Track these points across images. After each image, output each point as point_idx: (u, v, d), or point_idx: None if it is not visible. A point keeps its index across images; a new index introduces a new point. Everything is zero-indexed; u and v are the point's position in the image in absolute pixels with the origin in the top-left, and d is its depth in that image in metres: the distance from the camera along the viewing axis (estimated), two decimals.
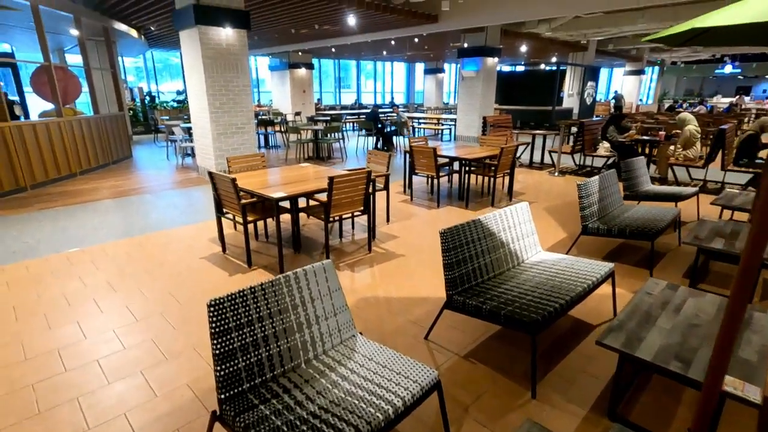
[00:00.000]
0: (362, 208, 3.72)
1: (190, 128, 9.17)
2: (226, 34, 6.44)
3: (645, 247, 4.02)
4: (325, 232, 3.55)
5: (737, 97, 22.50)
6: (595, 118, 12.67)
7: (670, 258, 3.78)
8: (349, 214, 3.68)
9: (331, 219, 3.47)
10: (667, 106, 19.17)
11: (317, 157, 9.14)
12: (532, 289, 2.38)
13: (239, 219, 3.41)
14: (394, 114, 10.76)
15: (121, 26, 9.41)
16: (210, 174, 3.53)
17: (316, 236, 4.35)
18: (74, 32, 8.18)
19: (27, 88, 9.89)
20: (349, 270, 3.50)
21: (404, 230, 4.50)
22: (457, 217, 4.96)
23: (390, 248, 3.99)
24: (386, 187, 4.55)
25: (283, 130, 11.42)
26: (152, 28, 10.76)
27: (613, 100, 21.00)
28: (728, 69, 26.46)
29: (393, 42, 14.06)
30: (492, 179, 5.64)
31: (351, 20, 9.35)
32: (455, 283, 2.37)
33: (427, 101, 24.04)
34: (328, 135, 8.84)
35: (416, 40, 13.57)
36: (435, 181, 5.61)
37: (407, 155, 5.65)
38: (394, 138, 10.58)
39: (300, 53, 17.67)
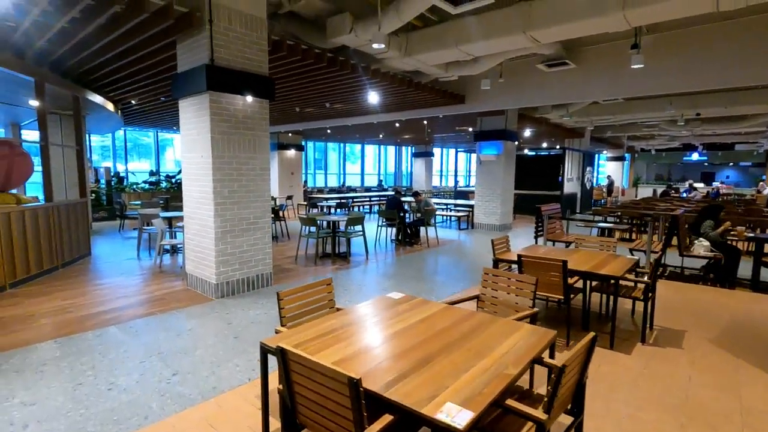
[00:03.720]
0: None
1: (171, 218, 7.28)
2: (245, 103, 4.92)
3: None
4: None
5: (720, 183, 23.54)
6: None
7: None
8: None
9: None
10: (660, 191, 19.15)
11: (335, 254, 7.34)
12: None
13: None
14: (414, 200, 9.35)
15: (96, 97, 7.81)
16: (283, 355, 1.67)
17: None
18: (33, 102, 6.45)
19: None
20: None
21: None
22: (621, 372, 3.20)
23: None
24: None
25: (281, 217, 9.68)
26: (133, 102, 9.24)
27: (607, 185, 21.04)
28: (695, 156, 27.90)
29: (397, 124, 13.22)
30: (620, 300, 4.03)
31: (373, 98, 8.23)
32: None
33: (416, 184, 23.34)
34: (350, 227, 7.17)
35: (425, 122, 12.79)
36: (560, 306, 3.92)
37: (518, 266, 3.98)
38: (421, 229, 9.02)
39: (290, 134, 16.65)
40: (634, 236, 9.55)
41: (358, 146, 23.52)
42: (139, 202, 10.63)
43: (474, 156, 12.11)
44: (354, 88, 7.77)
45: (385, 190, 21.32)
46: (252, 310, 4.47)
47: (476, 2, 4.82)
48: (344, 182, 22.47)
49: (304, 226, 7.09)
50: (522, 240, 9.13)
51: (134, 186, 14.14)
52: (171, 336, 3.76)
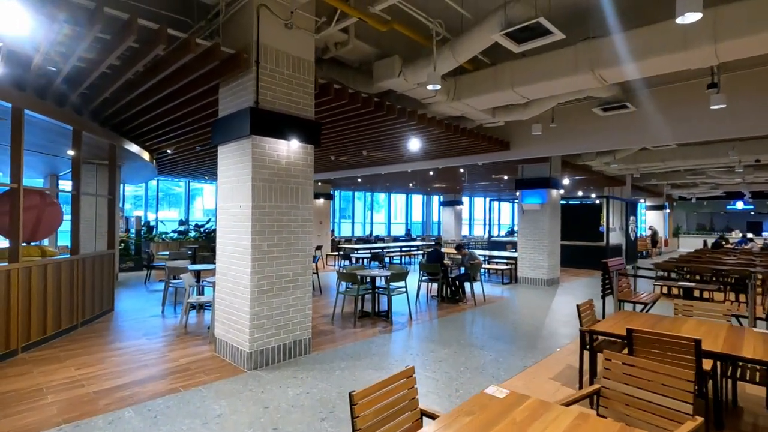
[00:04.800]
0: None
1: (199, 271, 6.79)
2: (289, 149, 4.50)
3: None
4: None
5: None
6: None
7: None
8: None
9: None
10: (711, 242, 17.84)
11: (375, 313, 6.61)
12: None
13: None
14: (457, 253, 8.64)
15: (133, 147, 7.66)
16: None
17: None
18: (70, 152, 6.27)
19: None
20: None
21: None
22: None
23: None
24: None
25: (314, 270, 9.09)
26: (169, 151, 9.13)
27: (650, 235, 19.88)
28: (740, 205, 26.42)
29: (431, 173, 12.82)
30: (741, 384, 3.14)
31: (415, 145, 7.83)
32: None
33: (446, 233, 22.65)
34: (392, 284, 6.48)
35: (461, 170, 12.34)
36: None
37: (627, 344, 3.19)
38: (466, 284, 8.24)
39: (319, 183, 16.48)
40: (705, 294, 8.48)
41: (383, 195, 23.24)
42: (166, 253, 10.29)
43: (505, 204, 11.46)
44: (396, 134, 7.39)
45: (414, 239, 20.67)
46: (291, 388, 3.76)
47: (543, 39, 4.39)
48: (371, 231, 21.99)
49: (341, 282, 6.45)
50: (579, 299, 8.21)
51: (163, 235, 13.95)
52: (196, 426, 3.06)
